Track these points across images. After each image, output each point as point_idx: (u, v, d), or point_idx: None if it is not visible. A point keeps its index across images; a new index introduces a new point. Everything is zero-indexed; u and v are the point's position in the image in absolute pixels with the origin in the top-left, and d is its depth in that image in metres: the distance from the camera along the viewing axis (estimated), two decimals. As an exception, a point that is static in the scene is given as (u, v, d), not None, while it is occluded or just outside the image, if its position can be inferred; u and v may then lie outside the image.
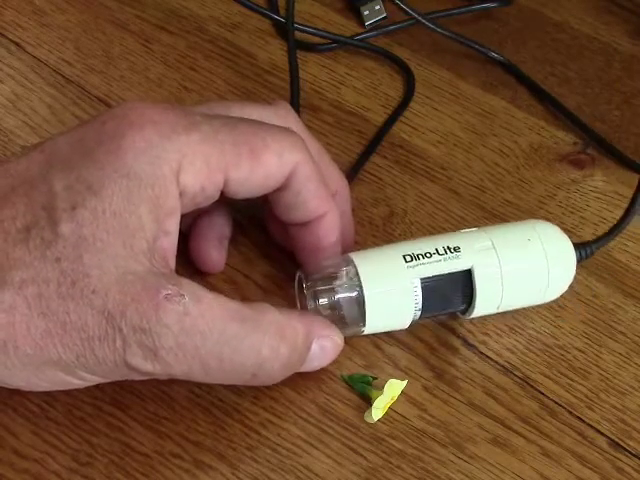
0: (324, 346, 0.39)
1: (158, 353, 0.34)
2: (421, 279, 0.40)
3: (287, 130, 0.39)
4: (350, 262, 0.40)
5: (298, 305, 0.41)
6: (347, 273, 0.40)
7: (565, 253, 0.42)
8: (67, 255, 0.34)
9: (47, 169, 0.35)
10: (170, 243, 0.36)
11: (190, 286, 0.35)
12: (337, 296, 0.40)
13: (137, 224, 0.34)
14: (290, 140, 0.39)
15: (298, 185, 0.39)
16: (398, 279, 0.40)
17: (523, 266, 0.41)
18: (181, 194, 0.36)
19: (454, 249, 0.40)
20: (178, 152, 0.36)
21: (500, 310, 0.42)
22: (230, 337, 0.35)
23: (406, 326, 0.41)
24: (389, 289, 0.40)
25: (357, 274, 0.40)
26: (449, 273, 0.40)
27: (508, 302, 0.42)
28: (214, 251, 0.43)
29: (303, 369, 0.39)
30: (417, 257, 0.40)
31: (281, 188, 0.39)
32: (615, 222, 0.44)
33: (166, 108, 0.37)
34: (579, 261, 0.43)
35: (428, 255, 0.40)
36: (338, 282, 0.40)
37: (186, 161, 0.36)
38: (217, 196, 0.38)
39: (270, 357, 0.36)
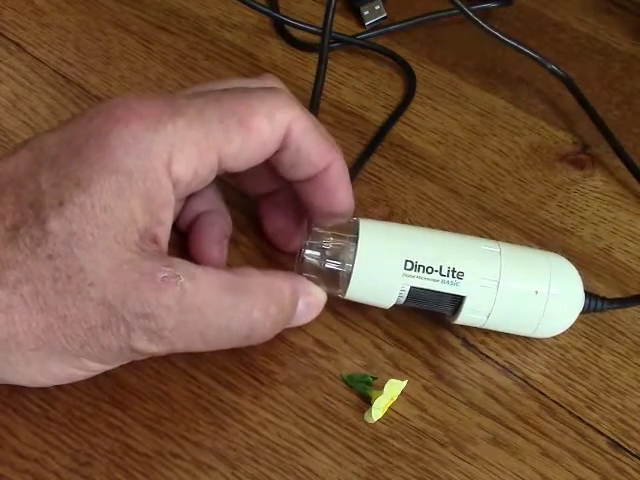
0: (309, 303, 0.40)
1: (162, 334, 0.34)
2: (408, 298, 0.40)
3: (273, 90, 0.39)
4: (356, 232, 0.39)
5: (297, 257, 0.41)
6: (348, 243, 0.39)
7: (570, 304, 0.41)
8: (58, 251, 0.34)
9: (35, 168, 0.35)
10: (163, 232, 0.36)
11: (182, 265, 0.35)
12: (328, 259, 0.39)
13: (129, 218, 0.34)
14: (278, 99, 0.38)
15: (296, 142, 0.39)
16: (390, 277, 0.39)
17: (517, 309, 0.40)
18: (175, 184, 0.36)
19: (458, 275, 0.39)
20: (167, 143, 0.35)
21: (485, 327, 0.42)
22: (226, 307, 0.36)
23: (387, 307, 0.41)
24: (378, 279, 0.39)
25: (355, 248, 0.39)
26: (441, 292, 0.39)
27: (493, 325, 0.41)
28: (214, 250, 0.43)
29: (291, 325, 0.40)
30: (418, 268, 0.39)
31: (280, 149, 0.39)
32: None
33: (150, 99, 0.37)
34: (584, 312, 0.42)
35: (429, 271, 0.39)
36: (335, 247, 0.39)
37: (176, 150, 0.36)
38: (212, 177, 0.38)
39: (261, 318, 0.37)
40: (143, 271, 0.34)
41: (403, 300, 0.40)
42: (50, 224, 0.34)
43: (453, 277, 0.39)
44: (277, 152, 0.39)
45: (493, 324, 0.41)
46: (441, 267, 0.39)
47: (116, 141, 0.35)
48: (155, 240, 0.36)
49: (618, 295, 0.45)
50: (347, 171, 0.41)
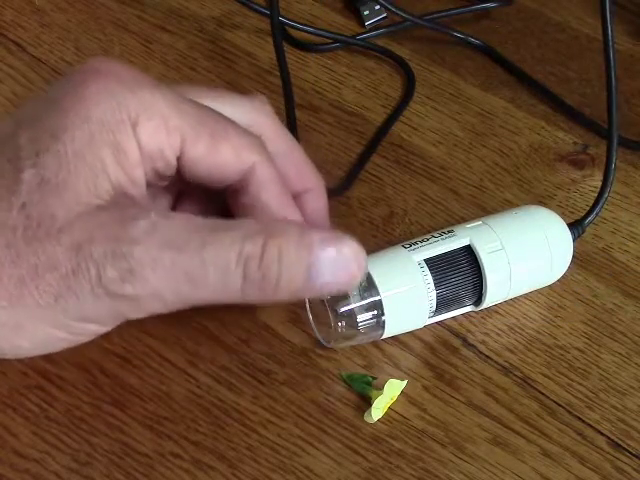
0: (341, 251, 0.34)
1: (135, 271, 0.33)
2: (432, 276, 0.41)
3: (250, 132, 0.39)
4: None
5: (309, 315, 0.41)
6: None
7: (558, 225, 0.44)
8: (31, 199, 0.34)
9: (15, 128, 0.35)
10: (139, 194, 0.36)
11: (157, 208, 0.35)
12: (355, 305, 0.40)
13: (99, 165, 0.34)
14: (251, 140, 0.38)
15: (257, 187, 0.38)
16: (405, 265, 0.41)
17: (521, 236, 0.42)
18: (139, 148, 0.36)
19: (448, 232, 0.42)
20: (138, 104, 0.35)
21: (512, 291, 0.43)
22: (208, 241, 0.34)
23: (425, 317, 0.41)
24: (400, 279, 0.40)
25: (368, 275, 0.40)
26: (450, 252, 0.41)
27: (516, 280, 0.42)
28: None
29: (312, 288, 0.35)
30: (415, 243, 0.41)
31: (240, 191, 0.38)
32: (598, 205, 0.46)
33: (134, 68, 0.37)
34: (575, 239, 0.45)
35: (425, 240, 0.42)
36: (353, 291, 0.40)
37: (144, 116, 0.35)
38: (175, 165, 0.37)
39: (253, 256, 0.34)
40: (113, 213, 0.34)
41: (432, 287, 0.41)
42: (24, 173, 0.34)
43: (446, 234, 0.42)
44: (237, 194, 0.39)
45: (515, 285, 0.42)
46: (432, 235, 0.42)
47: (91, 92, 0.35)
48: (133, 201, 0.35)
49: (618, 295, 0.45)
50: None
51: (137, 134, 0.35)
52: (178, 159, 0.37)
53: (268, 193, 0.38)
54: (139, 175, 0.36)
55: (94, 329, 0.36)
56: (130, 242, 0.33)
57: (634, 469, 0.39)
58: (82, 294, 0.34)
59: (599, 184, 0.46)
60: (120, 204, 0.35)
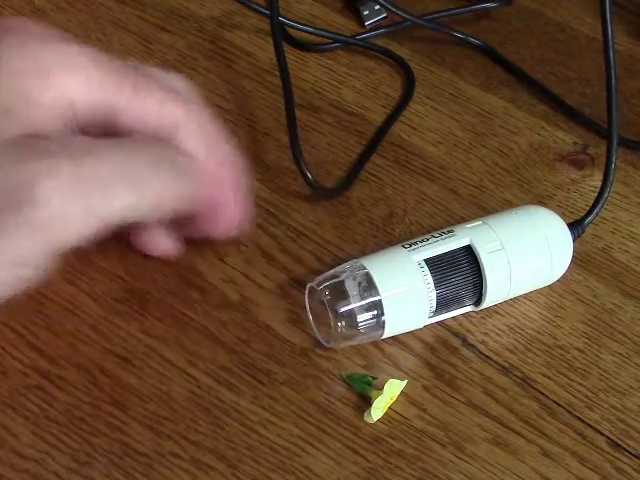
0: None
1: (48, 186, 0.33)
2: (432, 276, 0.41)
3: (174, 89, 0.39)
4: (360, 267, 0.40)
5: (309, 315, 0.41)
6: (359, 277, 0.40)
7: (557, 225, 0.44)
8: None
9: None
10: None
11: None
12: (355, 305, 0.40)
13: (8, 114, 0.34)
14: (174, 95, 0.38)
15: (180, 140, 0.38)
16: (404, 265, 0.41)
17: (520, 236, 0.43)
18: (54, 99, 0.35)
19: (448, 232, 0.42)
20: (53, 57, 0.35)
21: (512, 291, 0.43)
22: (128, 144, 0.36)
23: (425, 317, 0.41)
24: (400, 279, 0.40)
25: (368, 275, 0.40)
26: (450, 252, 0.41)
27: (516, 280, 0.42)
28: (157, 237, 0.42)
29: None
30: (415, 243, 0.42)
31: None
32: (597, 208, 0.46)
33: (47, 25, 0.37)
34: (574, 239, 0.45)
35: (427, 238, 0.42)
36: (352, 289, 0.40)
37: (60, 67, 0.35)
38: (98, 118, 0.37)
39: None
40: (14, 146, 0.33)
41: (432, 287, 0.41)
42: None
43: (446, 234, 0.42)
44: None
45: (514, 286, 0.43)
46: (432, 235, 0.42)
47: (2, 48, 0.35)
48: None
49: (618, 295, 0.45)
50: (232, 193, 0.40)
51: (53, 85, 0.35)
52: (102, 112, 0.37)
53: (191, 145, 0.38)
54: (53, 128, 0.35)
55: (27, 273, 0.35)
56: (39, 159, 0.33)
57: (634, 469, 0.39)
58: (8, 230, 0.33)
59: (599, 184, 0.46)
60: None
